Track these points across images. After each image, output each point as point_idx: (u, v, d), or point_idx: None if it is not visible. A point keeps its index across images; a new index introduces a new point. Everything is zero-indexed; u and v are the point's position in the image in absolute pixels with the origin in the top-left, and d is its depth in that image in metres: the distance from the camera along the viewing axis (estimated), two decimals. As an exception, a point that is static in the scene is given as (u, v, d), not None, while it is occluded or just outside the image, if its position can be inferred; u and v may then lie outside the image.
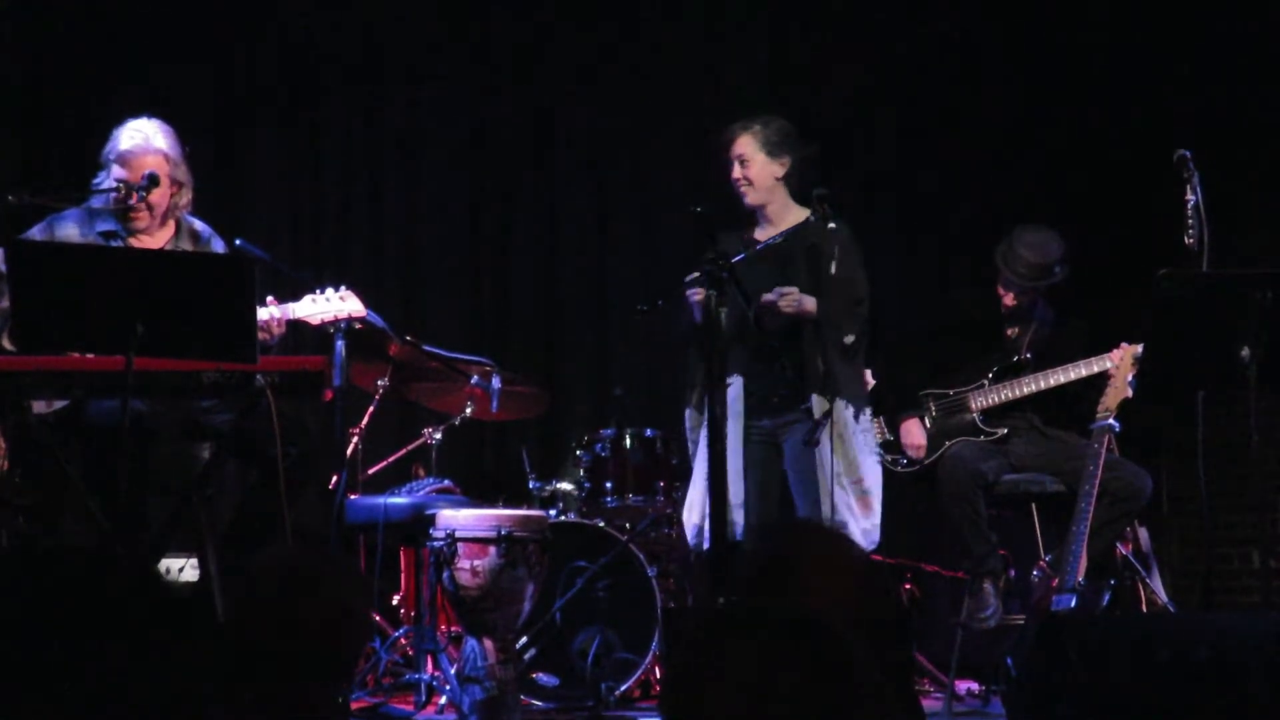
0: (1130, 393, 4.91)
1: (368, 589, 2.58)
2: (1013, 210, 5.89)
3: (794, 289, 4.65)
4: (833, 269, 4.61)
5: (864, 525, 4.62)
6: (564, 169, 6.81)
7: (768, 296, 4.60)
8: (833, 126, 6.21)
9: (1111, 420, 4.94)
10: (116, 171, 4.45)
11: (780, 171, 4.79)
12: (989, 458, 5.11)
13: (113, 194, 4.43)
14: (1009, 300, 5.26)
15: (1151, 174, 5.29)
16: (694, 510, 4.70)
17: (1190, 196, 4.43)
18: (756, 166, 4.76)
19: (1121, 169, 6.50)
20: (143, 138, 4.45)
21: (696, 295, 4.50)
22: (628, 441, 5.60)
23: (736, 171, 4.77)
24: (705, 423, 4.47)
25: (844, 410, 4.66)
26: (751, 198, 4.78)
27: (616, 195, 6.86)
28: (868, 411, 4.80)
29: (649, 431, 5.64)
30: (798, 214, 4.81)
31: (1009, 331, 5.33)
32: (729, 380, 4.64)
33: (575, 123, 6.78)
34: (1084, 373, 5.12)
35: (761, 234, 4.80)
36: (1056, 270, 5.16)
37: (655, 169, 6.79)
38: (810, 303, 4.70)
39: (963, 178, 6.69)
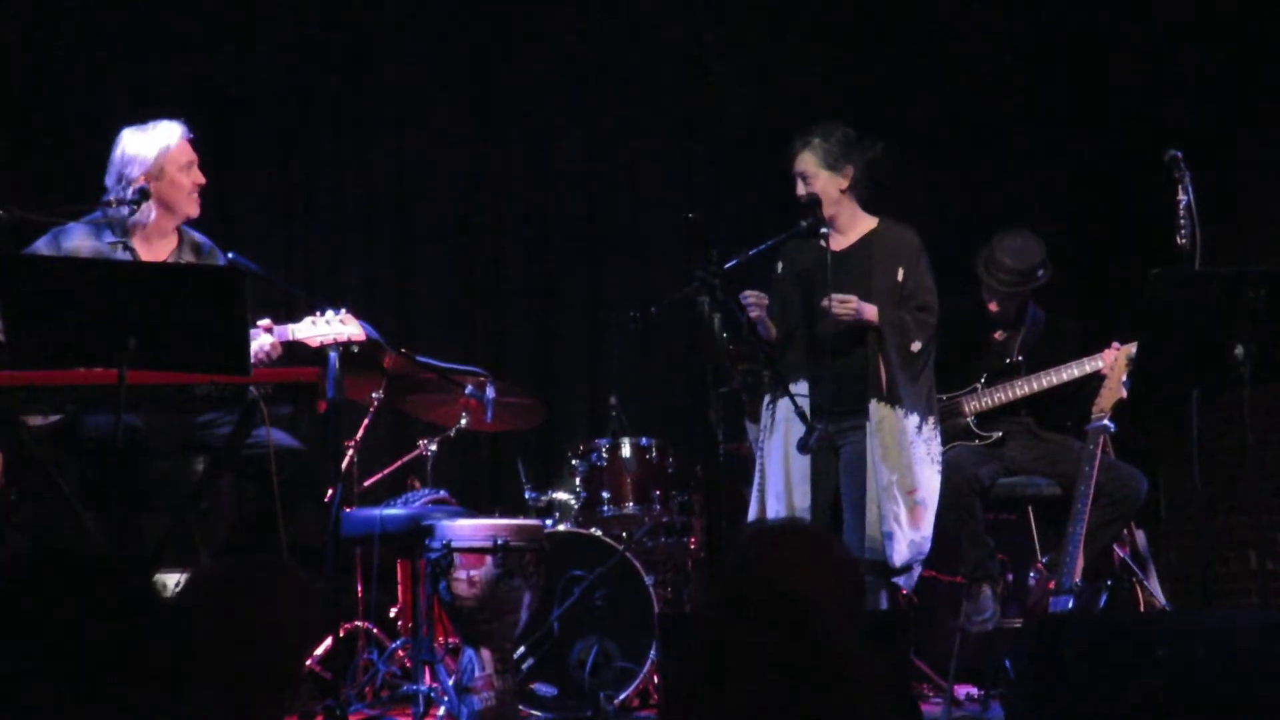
0: (1124, 393, 4.90)
1: (313, 599, 2.50)
2: (999, 211, 5.94)
3: (851, 296, 4.62)
4: (899, 275, 4.64)
5: (912, 537, 4.58)
6: (557, 176, 6.81)
7: (823, 303, 4.60)
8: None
9: (1106, 421, 4.94)
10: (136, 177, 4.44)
11: (844, 183, 4.74)
12: (985, 462, 5.10)
13: (106, 209, 4.43)
14: (994, 306, 5.27)
15: (1142, 173, 5.30)
16: (751, 507, 4.75)
17: (1182, 196, 4.42)
18: (821, 183, 4.71)
19: (1112, 168, 6.53)
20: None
21: (749, 299, 4.54)
22: (624, 450, 5.57)
23: (800, 189, 4.73)
24: (766, 429, 4.59)
25: (903, 418, 4.63)
26: (822, 211, 4.74)
27: (611, 203, 6.86)
28: (931, 421, 4.73)
29: (644, 440, 5.62)
30: (867, 222, 4.81)
31: (998, 335, 5.33)
32: (793, 384, 4.64)
33: (568, 130, 6.79)
34: (1077, 374, 5.12)
35: (835, 244, 4.74)
36: (1040, 274, 5.16)
37: (648, 177, 6.82)
38: (870, 310, 4.66)
39: (947, 178, 6.68)
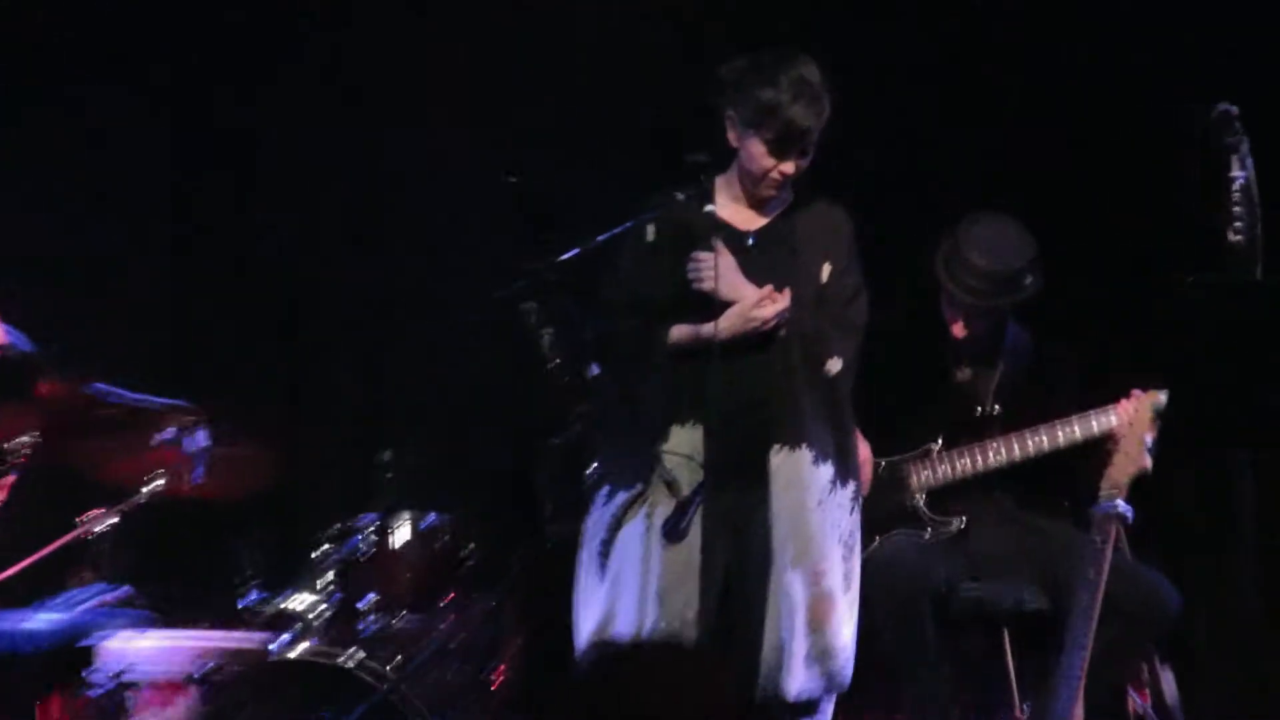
0: (1148, 463, 4.94)
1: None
2: (966, 192, 5.95)
3: (779, 294, 4.78)
4: (824, 271, 4.78)
5: (818, 651, 4.73)
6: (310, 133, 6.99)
7: (742, 302, 4.75)
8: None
9: (1120, 503, 4.92)
10: None
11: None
12: (940, 559, 5.20)
13: None
14: (959, 329, 5.32)
15: (1171, 139, 5.27)
16: (584, 623, 4.87)
17: (1237, 172, 4.42)
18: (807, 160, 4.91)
19: (1125, 132, 6.44)
20: None
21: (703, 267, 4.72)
22: (399, 531, 5.57)
23: (793, 167, 4.87)
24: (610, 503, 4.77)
25: (810, 468, 4.75)
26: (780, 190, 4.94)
27: (399, 173, 6.97)
28: (852, 485, 4.85)
29: (431, 517, 5.62)
30: (784, 196, 5.00)
31: (963, 372, 5.39)
32: (674, 434, 4.77)
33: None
34: (1079, 434, 5.19)
35: (741, 221, 4.93)
36: (1027, 280, 5.20)
37: (449, 139, 6.94)
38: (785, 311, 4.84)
39: (894, 146, 6.64)
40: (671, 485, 4.68)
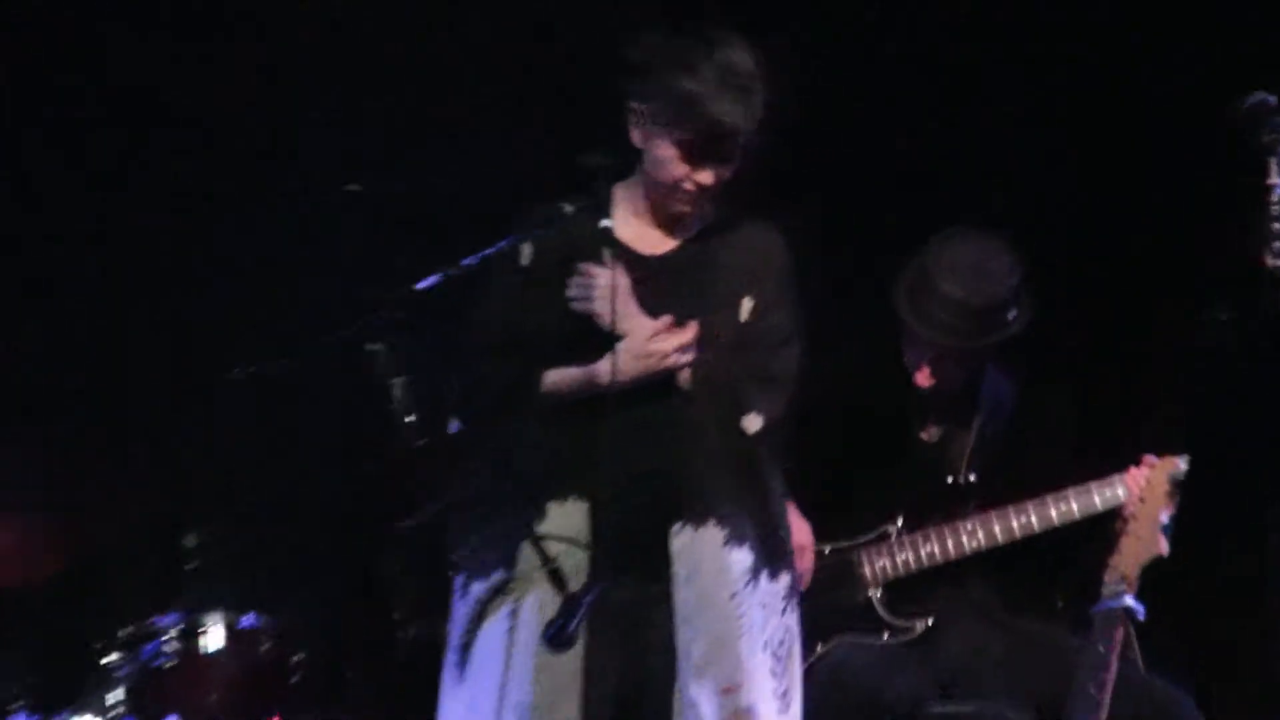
0: (1164, 547, 4.74)
1: None
2: (934, 204, 5.83)
3: (682, 327, 4.49)
4: (745, 306, 4.50)
5: None
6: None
7: (633, 335, 4.48)
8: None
9: (1129, 598, 4.74)
10: None
11: None
12: (899, 669, 5.06)
13: None
14: (924, 376, 5.12)
15: (1189, 138, 5.38)
16: None
17: (1277, 179, 4.17)
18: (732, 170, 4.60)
19: (1135, 127, 6.28)
20: None
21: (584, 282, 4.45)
22: (210, 636, 5.41)
23: (712, 177, 4.54)
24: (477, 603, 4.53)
25: (721, 551, 4.45)
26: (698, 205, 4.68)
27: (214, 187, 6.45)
28: (786, 576, 4.56)
29: (249, 618, 5.45)
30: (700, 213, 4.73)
31: (929, 431, 5.23)
32: (538, 519, 4.51)
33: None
34: (1076, 512, 4.99)
35: (645, 245, 4.61)
36: (1010, 314, 5.04)
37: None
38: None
39: (845, 147, 6.33)
40: (554, 576, 4.34)
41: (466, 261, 4.37)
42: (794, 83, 5.40)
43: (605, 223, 4.45)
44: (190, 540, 5.58)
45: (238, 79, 6.73)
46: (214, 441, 6.36)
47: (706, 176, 4.51)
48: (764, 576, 4.49)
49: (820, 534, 5.07)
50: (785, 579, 4.55)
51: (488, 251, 4.44)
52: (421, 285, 4.23)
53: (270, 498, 6.32)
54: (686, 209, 4.63)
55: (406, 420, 4.31)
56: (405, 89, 6.63)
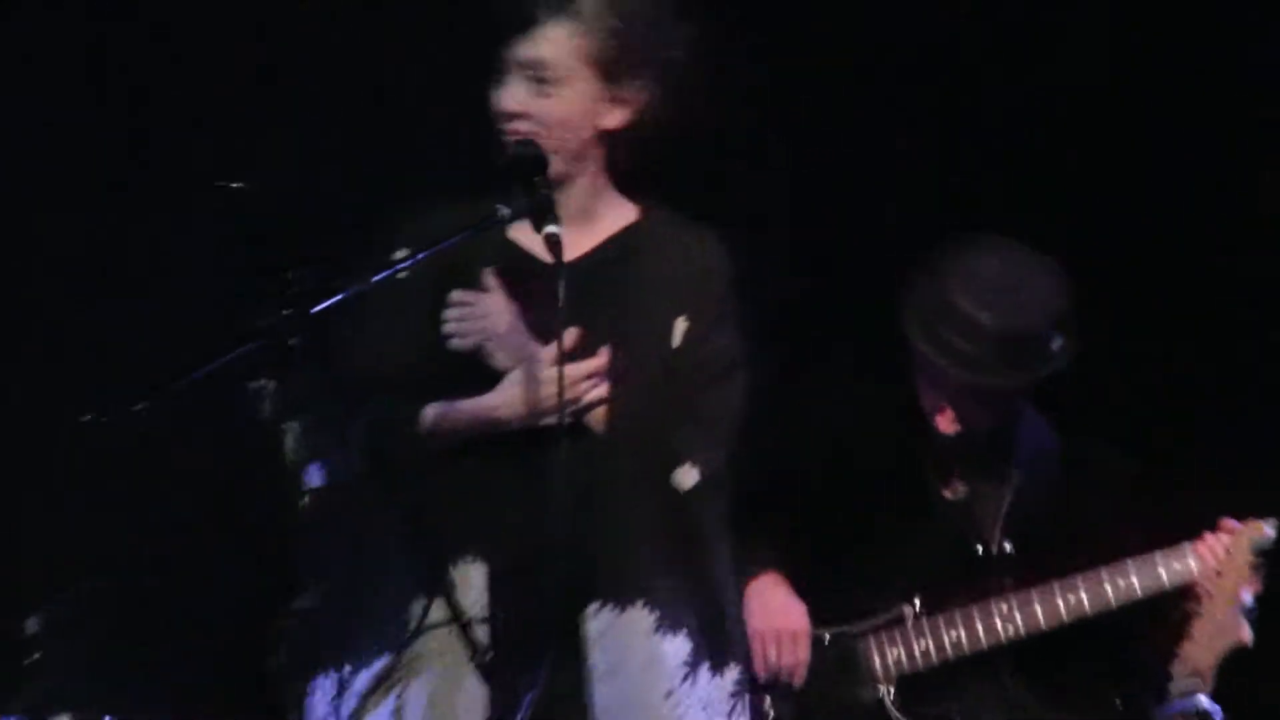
0: (1247, 633, 4.58)
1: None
2: (953, 207, 5.72)
3: (594, 354, 4.26)
4: (678, 327, 4.27)
5: None
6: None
7: (523, 366, 4.25)
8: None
9: (1203, 698, 4.59)
10: None
11: (616, 119, 4.37)
12: None
13: None
14: (945, 421, 4.88)
15: (1257, 137, 5.44)
16: None
17: None
18: (571, 104, 4.29)
19: (1188, 134, 5.97)
20: None
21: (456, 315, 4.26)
22: None
23: (520, 104, 4.30)
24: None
25: (650, 640, 4.17)
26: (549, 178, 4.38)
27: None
28: (731, 670, 4.21)
29: None
30: (620, 211, 4.44)
31: (950, 492, 4.96)
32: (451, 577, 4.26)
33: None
34: (1138, 589, 4.78)
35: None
36: (1054, 345, 4.82)
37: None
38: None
39: (839, 136, 6.04)
40: (476, 649, 4.01)
41: (378, 277, 4.02)
42: (777, 75, 5.65)
43: (552, 229, 4.02)
44: (31, 626, 5.04)
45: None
46: (57, 506, 5.96)
47: (511, 101, 4.20)
48: (705, 670, 4.18)
49: (819, 617, 4.82)
50: (733, 673, 4.21)
51: (405, 264, 4.11)
52: (319, 308, 3.82)
53: (127, 574, 5.82)
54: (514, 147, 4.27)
55: (301, 475, 4.02)
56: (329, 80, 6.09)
